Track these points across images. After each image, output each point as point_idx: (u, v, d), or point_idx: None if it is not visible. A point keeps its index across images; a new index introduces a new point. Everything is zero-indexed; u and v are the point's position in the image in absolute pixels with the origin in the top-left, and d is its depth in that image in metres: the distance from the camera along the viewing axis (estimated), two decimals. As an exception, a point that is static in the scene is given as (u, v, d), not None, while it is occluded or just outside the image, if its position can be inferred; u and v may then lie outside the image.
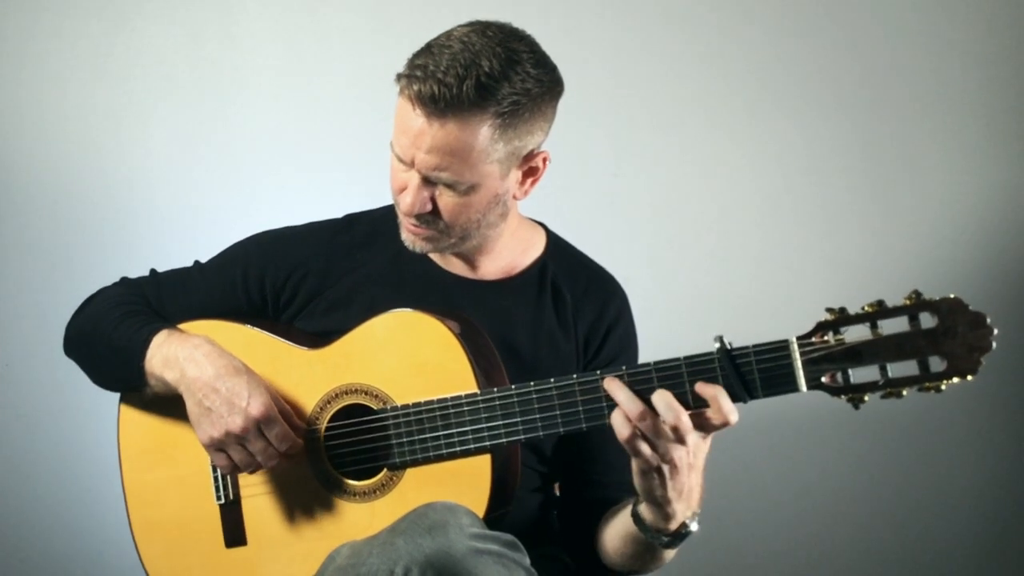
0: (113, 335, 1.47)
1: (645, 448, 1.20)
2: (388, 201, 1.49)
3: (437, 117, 1.32)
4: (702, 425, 1.20)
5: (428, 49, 1.35)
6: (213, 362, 1.39)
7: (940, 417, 2.21)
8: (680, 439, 1.19)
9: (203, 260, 1.58)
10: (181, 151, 2.19)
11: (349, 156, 2.12)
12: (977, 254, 2.15)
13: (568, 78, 2.10)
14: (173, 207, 2.19)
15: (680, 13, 2.20)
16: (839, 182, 2.20)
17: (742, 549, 2.25)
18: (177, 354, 1.41)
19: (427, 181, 1.37)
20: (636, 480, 1.25)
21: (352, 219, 1.57)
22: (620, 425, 1.21)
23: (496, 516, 1.34)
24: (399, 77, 1.35)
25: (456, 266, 1.51)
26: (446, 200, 1.39)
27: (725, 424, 1.19)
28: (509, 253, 1.52)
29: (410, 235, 1.43)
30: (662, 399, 1.19)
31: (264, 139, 2.19)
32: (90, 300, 1.57)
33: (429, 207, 1.38)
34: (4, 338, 2.11)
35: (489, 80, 1.31)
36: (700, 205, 2.22)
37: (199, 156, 2.19)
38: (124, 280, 1.58)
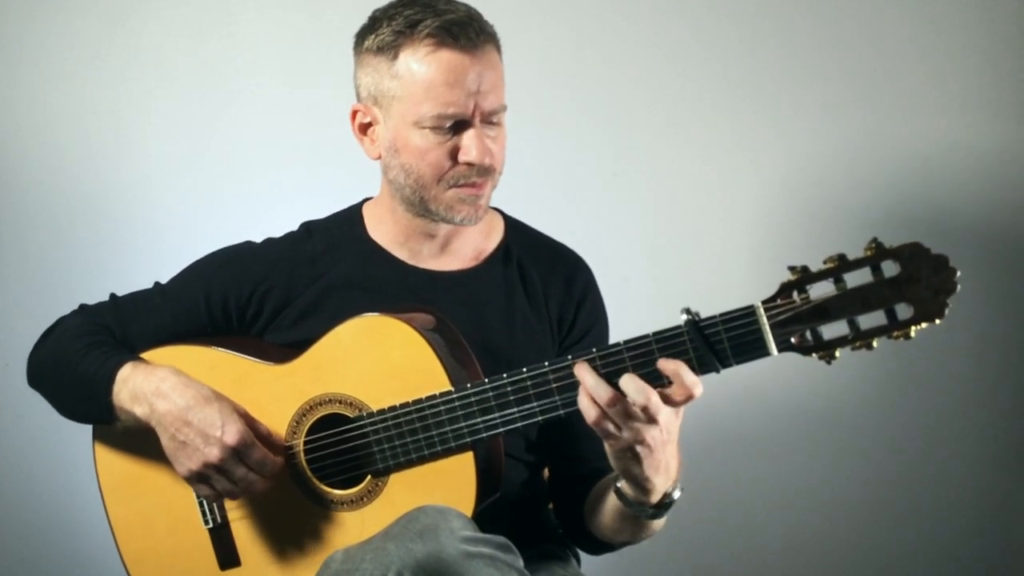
0: (78, 369, 1.45)
1: (615, 430, 1.19)
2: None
3: (480, 45, 1.36)
4: (668, 401, 1.19)
5: (417, 3, 1.37)
6: (182, 394, 1.37)
7: (940, 416, 2.20)
8: (651, 419, 1.18)
9: (177, 272, 1.55)
10: (181, 151, 2.16)
11: (350, 156, 2.08)
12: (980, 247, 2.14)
13: (569, 77, 2.15)
14: (173, 207, 2.16)
15: (680, 11, 2.17)
16: (841, 180, 2.17)
17: (742, 550, 2.24)
18: (144, 388, 1.38)
19: (485, 126, 1.38)
20: (612, 462, 1.24)
21: (309, 227, 1.55)
22: (587, 408, 1.20)
23: (487, 504, 1.34)
24: (416, 43, 1.35)
25: (424, 259, 1.49)
26: (497, 139, 1.41)
27: (690, 398, 1.18)
28: (474, 238, 1.51)
29: (471, 204, 1.41)
30: (631, 382, 1.18)
31: (264, 139, 2.16)
32: (50, 332, 1.54)
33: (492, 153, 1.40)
34: (4, 338, 2.10)
35: (478, 12, 1.40)
36: (701, 205, 2.20)
37: (199, 156, 2.16)
38: (83, 308, 1.55)
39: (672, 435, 1.21)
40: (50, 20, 2.13)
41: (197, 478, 1.37)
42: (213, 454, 1.34)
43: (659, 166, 2.19)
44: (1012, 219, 2.16)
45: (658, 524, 1.34)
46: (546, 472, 1.55)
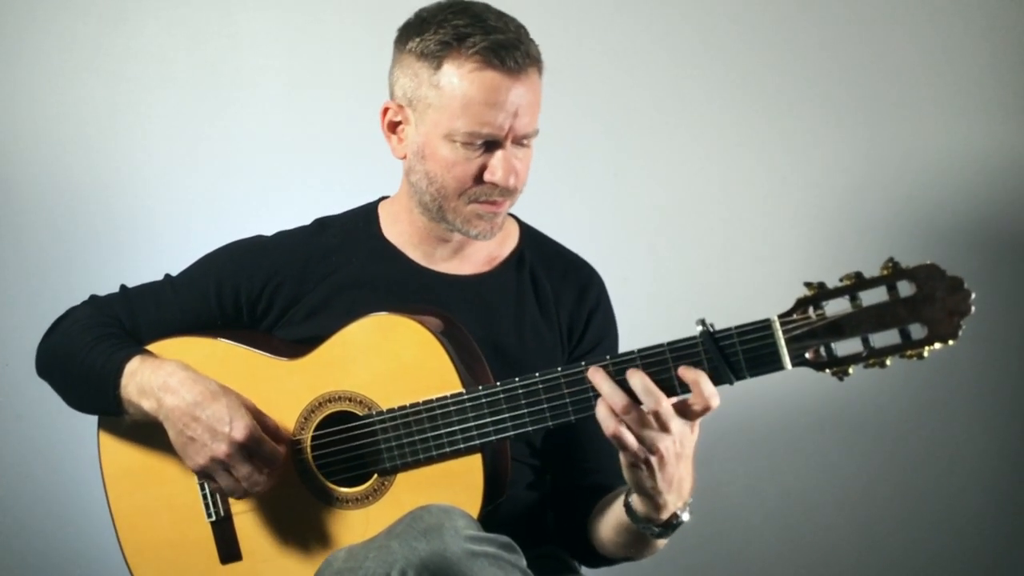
0: (86, 361, 1.44)
1: (631, 440, 1.19)
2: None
3: (525, 68, 1.36)
4: (685, 412, 1.19)
5: (468, 14, 1.36)
6: (190, 389, 1.36)
7: (940, 418, 2.22)
8: (664, 427, 1.18)
9: (188, 265, 1.55)
10: (180, 152, 2.17)
11: (350, 157, 2.10)
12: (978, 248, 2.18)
13: (569, 77, 2.11)
14: (172, 208, 2.17)
15: (680, 13, 2.20)
16: (842, 181, 2.20)
17: (742, 551, 2.26)
18: (152, 382, 1.38)
19: (514, 147, 1.38)
20: (625, 473, 1.24)
21: (323, 223, 1.55)
22: (605, 418, 1.20)
23: (491, 508, 1.35)
24: (462, 58, 1.34)
25: (437, 262, 1.50)
26: (524, 160, 1.41)
27: (707, 409, 1.18)
28: (488, 244, 1.51)
29: (489, 221, 1.42)
30: (640, 383, 1.18)
31: (264, 140, 2.17)
32: (60, 322, 1.53)
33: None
34: (4, 338, 2.11)
35: (526, 30, 1.39)
36: (701, 205, 2.21)
37: (198, 157, 2.17)
38: (93, 299, 1.55)
39: (686, 449, 1.21)
40: (50, 20, 2.13)
41: (204, 473, 1.37)
42: (221, 450, 1.34)
43: (660, 166, 2.20)
44: (1016, 225, 2.19)
45: (661, 543, 1.34)
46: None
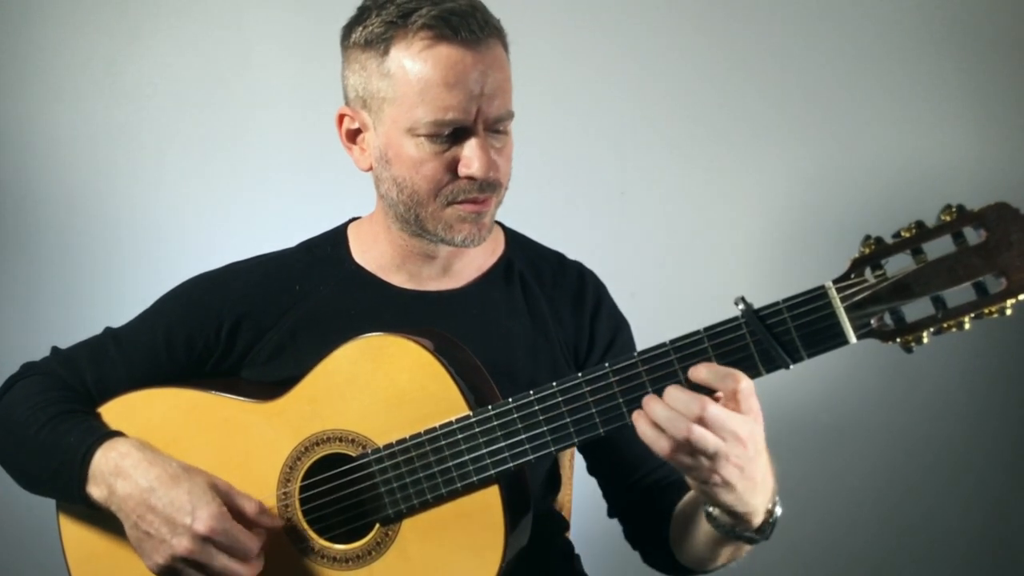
0: (36, 443, 1.23)
1: (690, 459, 1.00)
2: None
3: (484, 40, 1.17)
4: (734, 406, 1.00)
5: None
6: (144, 473, 1.16)
7: (940, 419, 2.21)
8: (725, 433, 0.98)
9: (133, 317, 1.35)
10: (194, 171, 2.14)
11: (364, 175, 2.08)
12: None
13: (576, 97, 2.18)
14: (185, 224, 2.13)
15: (687, 32, 2.17)
16: (842, 194, 2.17)
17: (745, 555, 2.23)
18: (101, 467, 1.18)
19: (489, 135, 1.19)
20: (700, 495, 1.05)
21: (297, 247, 1.37)
22: (654, 439, 1.00)
23: (518, 548, 1.16)
24: (410, 36, 1.16)
25: (425, 282, 1.31)
26: (503, 150, 1.22)
27: (735, 393, 0.99)
28: (478, 256, 1.34)
29: (474, 223, 1.22)
30: (679, 394, 0.99)
31: (278, 159, 2.14)
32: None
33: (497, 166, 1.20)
34: (3, 338, 2.09)
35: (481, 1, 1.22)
36: (708, 222, 2.18)
37: (212, 176, 2.14)
38: (29, 366, 1.34)
39: (759, 445, 1.02)
40: (64, 41, 2.12)
41: (168, 574, 1.16)
42: (182, 545, 1.13)
43: (667, 184, 2.18)
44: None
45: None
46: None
